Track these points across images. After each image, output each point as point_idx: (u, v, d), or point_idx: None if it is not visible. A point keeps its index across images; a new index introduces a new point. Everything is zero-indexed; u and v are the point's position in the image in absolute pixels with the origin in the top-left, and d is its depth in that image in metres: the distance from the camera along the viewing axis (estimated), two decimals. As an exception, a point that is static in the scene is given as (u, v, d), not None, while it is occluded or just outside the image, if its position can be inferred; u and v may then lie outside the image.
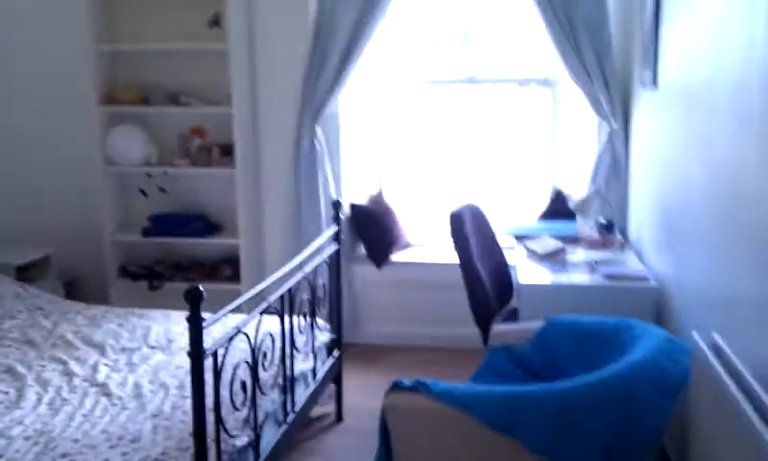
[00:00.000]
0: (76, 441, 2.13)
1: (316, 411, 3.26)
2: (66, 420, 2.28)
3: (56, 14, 4.23)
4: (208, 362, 1.97)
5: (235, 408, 2.17)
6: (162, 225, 4.19)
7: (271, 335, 2.49)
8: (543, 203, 4.14)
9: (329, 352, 3.28)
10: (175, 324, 3.11)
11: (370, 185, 4.46)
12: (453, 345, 4.06)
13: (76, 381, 2.58)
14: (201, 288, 1.88)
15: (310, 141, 4.09)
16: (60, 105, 4.32)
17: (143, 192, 4.35)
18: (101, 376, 2.61)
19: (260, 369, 2.38)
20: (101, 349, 2.88)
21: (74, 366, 2.70)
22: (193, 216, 4.23)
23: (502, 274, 3.53)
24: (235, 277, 4.14)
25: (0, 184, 4.30)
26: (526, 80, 4.31)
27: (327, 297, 3.25)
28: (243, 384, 2.21)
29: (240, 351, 2.29)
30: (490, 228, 3.58)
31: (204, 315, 1.92)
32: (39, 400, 2.43)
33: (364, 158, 4.47)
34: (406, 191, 4.52)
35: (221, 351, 2.05)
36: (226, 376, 2.12)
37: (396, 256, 4.30)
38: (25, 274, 3.92)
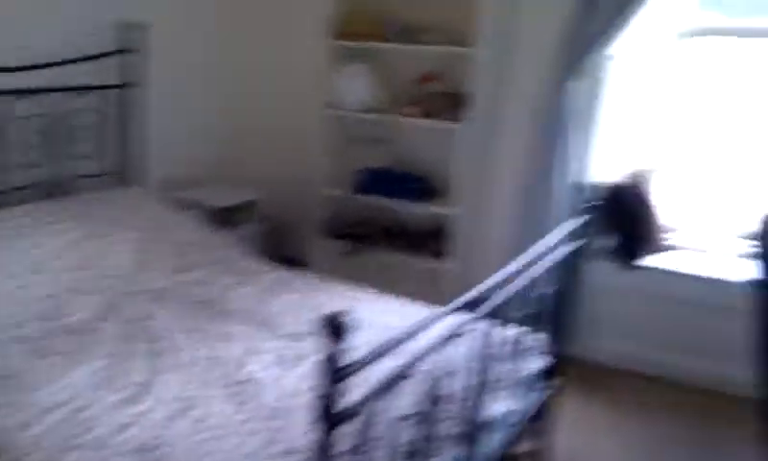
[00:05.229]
0: None
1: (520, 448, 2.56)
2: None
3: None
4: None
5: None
6: (374, 181, 3.68)
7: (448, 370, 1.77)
8: None
9: (543, 378, 2.51)
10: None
11: (628, 163, 3.47)
12: (705, 384, 3.21)
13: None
14: (344, 321, 1.21)
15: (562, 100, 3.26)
16: (289, 38, 3.96)
17: (360, 142, 3.84)
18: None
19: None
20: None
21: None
22: (410, 175, 3.66)
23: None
24: (443, 252, 3.53)
25: (216, 117, 3.96)
26: None
27: (552, 307, 2.45)
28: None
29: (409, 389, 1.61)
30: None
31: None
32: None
33: (628, 128, 3.49)
34: (675, 177, 3.50)
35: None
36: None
37: (649, 260, 3.35)
38: (230, 216, 3.66)
